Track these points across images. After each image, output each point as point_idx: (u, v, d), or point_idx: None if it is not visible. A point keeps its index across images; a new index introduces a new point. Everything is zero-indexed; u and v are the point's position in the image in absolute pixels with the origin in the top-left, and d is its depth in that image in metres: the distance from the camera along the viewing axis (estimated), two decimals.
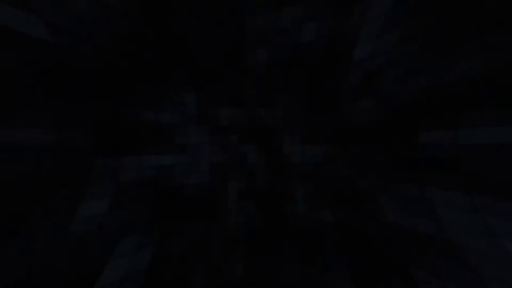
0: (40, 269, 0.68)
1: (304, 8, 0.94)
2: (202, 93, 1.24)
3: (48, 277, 0.69)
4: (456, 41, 0.75)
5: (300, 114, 1.25)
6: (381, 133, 0.94)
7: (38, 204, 0.68)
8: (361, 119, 0.99)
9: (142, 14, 0.89)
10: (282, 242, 1.20)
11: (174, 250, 0.95)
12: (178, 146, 1.20)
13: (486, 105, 0.69)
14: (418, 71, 0.80)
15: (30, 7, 0.66)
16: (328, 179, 1.18)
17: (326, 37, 0.97)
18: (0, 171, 0.62)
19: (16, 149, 0.66)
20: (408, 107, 0.85)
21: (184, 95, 1.17)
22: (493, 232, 0.77)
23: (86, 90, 0.76)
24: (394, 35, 0.85)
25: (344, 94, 1.02)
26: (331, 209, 1.10)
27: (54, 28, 0.68)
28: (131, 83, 0.90)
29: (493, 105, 0.67)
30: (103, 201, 0.77)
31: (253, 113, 1.30)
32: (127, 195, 0.85)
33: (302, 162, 1.26)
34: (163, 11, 0.94)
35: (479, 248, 0.79)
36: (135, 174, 0.90)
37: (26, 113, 0.67)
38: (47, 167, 0.69)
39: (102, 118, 0.82)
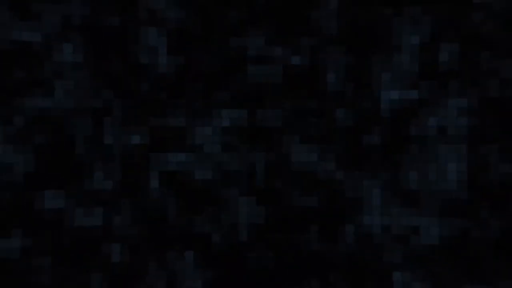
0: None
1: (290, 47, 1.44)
2: (208, 98, 1.44)
3: None
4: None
5: (298, 116, 1.46)
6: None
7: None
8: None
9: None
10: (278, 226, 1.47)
11: None
12: (186, 146, 1.41)
13: None
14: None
15: None
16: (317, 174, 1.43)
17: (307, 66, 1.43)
18: None
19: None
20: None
21: (194, 102, 1.41)
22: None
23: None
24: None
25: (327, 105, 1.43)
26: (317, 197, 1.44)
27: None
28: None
29: None
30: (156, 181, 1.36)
31: (253, 114, 1.47)
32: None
33: (300, 161, 1.47)
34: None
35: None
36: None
37: None
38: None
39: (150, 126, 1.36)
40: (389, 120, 1.38)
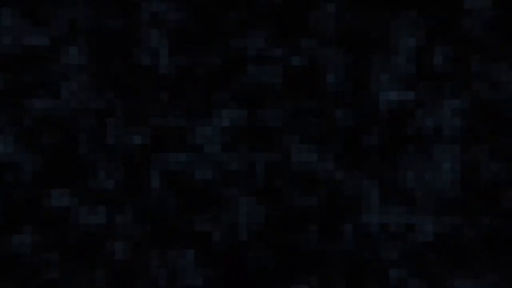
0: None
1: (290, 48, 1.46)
2: (208, 98, 1.48)
3: None
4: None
5: (298, 116, 1.49)
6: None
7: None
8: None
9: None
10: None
11: None
12: (186, 146, 1.46)
13: None
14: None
15: None
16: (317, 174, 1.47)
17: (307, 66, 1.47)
18: None
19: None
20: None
21: (194, 102, 1.47)
22: None
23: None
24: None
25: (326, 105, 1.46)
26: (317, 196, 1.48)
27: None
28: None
29: None
30: (157, 180, 1.40)
31: (253, 114, 1.50)
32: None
33: (300, 161, 1.50)
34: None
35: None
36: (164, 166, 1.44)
37: None
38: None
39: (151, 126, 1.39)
40: (388, 121, 1.43)
